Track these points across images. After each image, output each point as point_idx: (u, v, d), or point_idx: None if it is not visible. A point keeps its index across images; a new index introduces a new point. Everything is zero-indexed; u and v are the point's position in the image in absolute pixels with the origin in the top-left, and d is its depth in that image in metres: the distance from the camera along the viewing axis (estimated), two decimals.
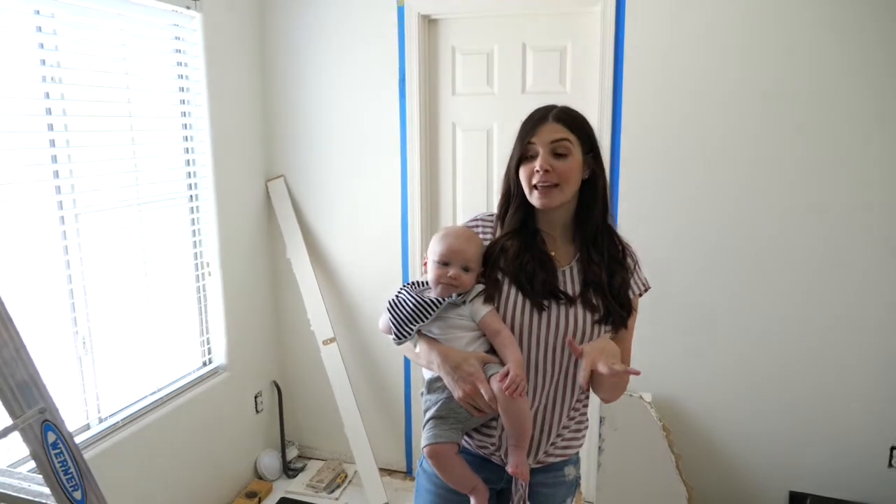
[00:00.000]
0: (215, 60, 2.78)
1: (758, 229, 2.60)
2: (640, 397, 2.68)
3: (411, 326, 1.36)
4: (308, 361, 3.27)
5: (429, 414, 1.37)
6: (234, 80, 2.92)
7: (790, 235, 2.57)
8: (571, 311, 1.35)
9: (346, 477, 3.23)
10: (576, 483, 1.51)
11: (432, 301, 1.36)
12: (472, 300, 1.36)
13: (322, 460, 3.38)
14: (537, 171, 1.33)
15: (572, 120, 1.38)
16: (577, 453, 1.49)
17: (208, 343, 2.94)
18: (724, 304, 2.68)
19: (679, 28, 2.55)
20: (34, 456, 1.10)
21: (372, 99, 3.00)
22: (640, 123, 2.65)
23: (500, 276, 1.38)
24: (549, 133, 1.35)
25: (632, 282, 1.43)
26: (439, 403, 1.35)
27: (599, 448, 2.70)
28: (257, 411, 3.21)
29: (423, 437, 1.37)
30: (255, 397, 3.20)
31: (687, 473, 2.68)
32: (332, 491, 3.11)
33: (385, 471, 3.25)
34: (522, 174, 1.37)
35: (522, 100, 2.86)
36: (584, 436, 1.48)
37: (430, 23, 2.91)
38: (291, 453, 3.36)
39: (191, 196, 2.80)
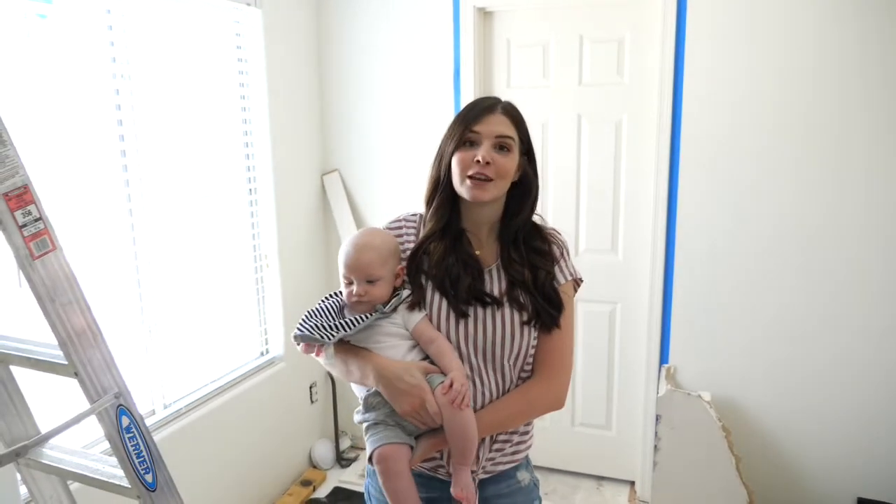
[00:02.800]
0: (274, 56, 2.83)
1: (822, 224, 2.49)
2: (699, 396, 2.61)
3: (333, 333, 1.25)
4: None
5: (371, 422, 1.26)
6: (291, 75, 2.97)
7: (858, 226, 2.45)
8: (498, 313, 1.28)
9: None
10: (534, 487, 1.42)
11: (357, 318, 1.26)
12: (401, 308, 1.28)
13: None
14: (477, 162, 1.25)
15: (518, 118, 1.33)
16: (527, 457, 1.41)
17: (266, 334, 3.01)
18: (786, 301, 2.58)
19: (743, 16, 2.46)
20: (109, 438, 1.14)
21: (426, 93, 3.00)
22: (699, 113, 2.57)
23: (423, 280, 1.31)
24: (496, 125, 1.28)
25: (557, 269, 1.34)
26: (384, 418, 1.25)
27: (655, 447, 2.65)
28: (312, 401, 3.27)
29: (367, 443, 1.25)
30: (310, 388, 3.25)
31: (747, 475, 2.60)
32: None
33: None
34: (457, 160, 1.28)
35: (579, 92, 2.81)
36: (531, 436, 1.40)
37: (485, 15, 2.89)
38: (344, 444, 3.41)
39: (249, 189, 2.86)
